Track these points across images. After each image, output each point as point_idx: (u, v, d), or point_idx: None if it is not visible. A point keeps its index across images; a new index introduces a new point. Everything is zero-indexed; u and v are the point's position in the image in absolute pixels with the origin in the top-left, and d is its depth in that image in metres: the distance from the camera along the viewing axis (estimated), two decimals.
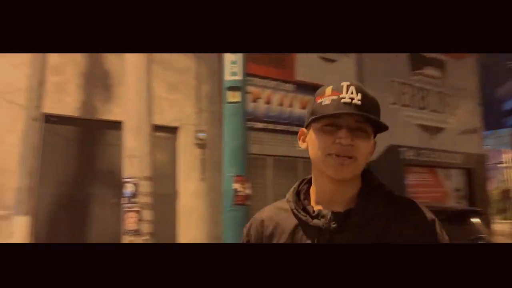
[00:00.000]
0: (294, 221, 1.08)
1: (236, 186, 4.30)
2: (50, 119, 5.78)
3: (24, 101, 5.02)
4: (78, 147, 6.11)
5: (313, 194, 1.11)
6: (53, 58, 5.70)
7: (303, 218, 1.07)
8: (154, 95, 6.22)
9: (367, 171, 1.12)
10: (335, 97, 1.03)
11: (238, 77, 4.61)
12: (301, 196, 1.11)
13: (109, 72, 6.52)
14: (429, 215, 1.05)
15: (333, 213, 1.04)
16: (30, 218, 4.57)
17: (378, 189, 1.08)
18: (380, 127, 1.05)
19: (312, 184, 1.12)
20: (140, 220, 4.26)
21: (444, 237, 1.04)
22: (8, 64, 5.68)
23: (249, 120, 7.71)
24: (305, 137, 1.12)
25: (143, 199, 4.31)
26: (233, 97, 4.58)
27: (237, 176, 4.34)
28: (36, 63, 5.10)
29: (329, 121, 1.03)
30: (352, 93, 1.03)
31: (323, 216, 1.04)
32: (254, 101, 7.85)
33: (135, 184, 4.32)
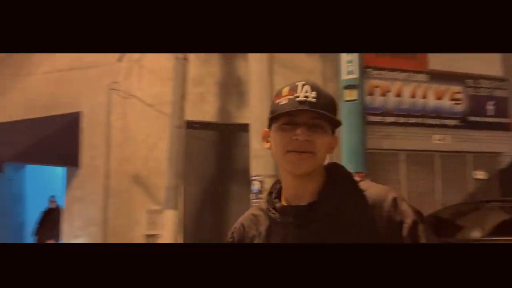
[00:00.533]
0: (267, 221, 1.13)
1: None
2: (192, 125, 6.59)
3: (170, 112, 5.86)
4: (217, 149, 6.83)
5: (283, 192, 1.15)
6: (194, 71, 6.49)
7: (273, 216, 1.11)
8: None
9: (333, 164, 1.15)
10: (291, 97, 1.07)
11: (354, 76, 4.69)
12: (272, 195, 1.15)
13: (241, 79, 7.13)
14: (390, 196, 1.05)
15: (295, 207, 1.09)
16: (178, 212, 5.33)
17: (341, 181, 1.11)
18: (335, 123, 1.09)
19: (282, 183, 1.16)
20: None
21: (408, 213, 1.04)
22: (158, 79, 6.65)
23: (378, 115, 7.68)
24: (268, 137, 1.15)
25: None
26: (350, 95, 4.68)
27: (356, 172, 4.43)
28: (178, 78, 5.90)
29: (287, 120, 1.06)
30: (306, 91, 1.07)
31: (287, 212, 1.09)
32: (383, 95, 7.71)
33: (261, 182, 4.73)
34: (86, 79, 7.00)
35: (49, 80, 7.38)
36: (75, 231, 6.97)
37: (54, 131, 6.87)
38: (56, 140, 6.83)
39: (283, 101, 1.07)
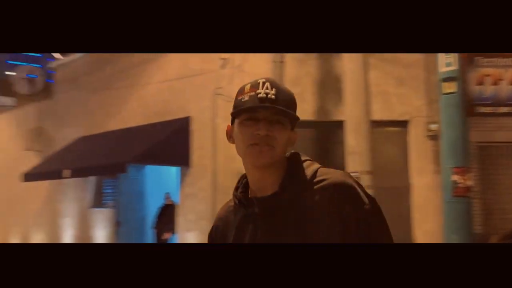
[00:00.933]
0: (236, 214, 1.19)
1: (456, 177, 4.25)
2: None
3: None
4: (315, 146, 6.98)
5: (249, 185, 1.19)
6: (291, 72, 6.73)
7: (240, 209, 1.17)
8: (382, 91, 6.55)
9: (294, 154, 1.19)
10: (252, 93, 1.12)
11: (453, 67, 4.52)
12: (238, 190, 1.20)
13: (338, 77, 7.18)
14: (348, 181, 1.10)
15: (259, 198, 1.13)
16: None
17: (302, 170, 1.15)
18: (294, 119, 1.14)
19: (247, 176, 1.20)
20: None
21: (364, 200, 1.09)
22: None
23: (489, 106, 7.14)
24: (231, 132, 1.20)
25: None
26: (449, 87, 4.52)
27: (456, 167, 4.28)
28: (276, 79, 6.17)
29: (248, 115, 1.11)
30: (267, 88, 1.11)
31: (252, 203, 1.14)
32: (495, 83, 7.17)
33: (357, 178, 4.78)
34: (193, 86, 7.62)
35: (162, 89, 8.18)
36: (188, 225, 7.64)
37: (168, 135, 7.60)
38: (170, 142, 7.54)
39: (245, 97, 1.12)
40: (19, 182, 9.85)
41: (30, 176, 9.47)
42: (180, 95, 7.87)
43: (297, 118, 1.15)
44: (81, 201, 9.90)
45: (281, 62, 6.23)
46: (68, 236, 10.12)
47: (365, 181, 4.76)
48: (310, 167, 1.16)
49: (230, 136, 1.20)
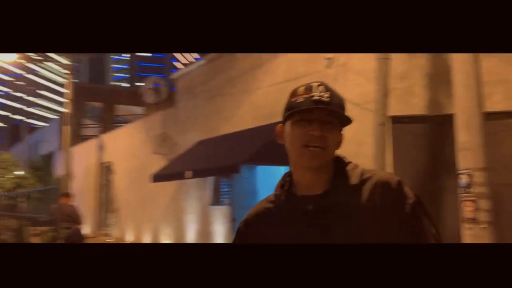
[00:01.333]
0: (283, 211, 1.20)
1: None
2: (400, 120, 6.66)
3: (373, 110, 6.11)
4: (425, 142, 6.72)
5: (295, 183, 1.22)
6: (399, 67, 6.57)
7: (288, 205, 1.19)
8: (503, 80, 6.07)
9: (338, 157, 1.23)
10: (306, 96, 1.16)
11: None
12: (285, 187, 1.23)
13: (450, 68, 6.80)
14: (395, 179, 1.14)
15: (314, 196, 1.16)
16: None
17: (349, 171, 1.19)
18: (346, 121, 1.18)
19: (292, 174, 1.24)
20: (476, 209, 4.45)
21: (409, 195, 1.13)
22: (363, 80, 6.96)
23: None
24: (282, 132, 1.25)
25: (478, 189, 4.48)
26: None
27: None
28: (381, 77, 6.12)
29: (302, 116, 1.16)
30: (321, 91, 1.16)
31: (308, 201, 1.16)
32: None
33: (469, 175, 4.55)
34: None
35: (271, 92, 8.54)
36: None
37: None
38: (279, 143, 7.84)
39: (299, 99, 1.17)
40: (149, 183, 11.02)
41: (158, 177, 10.54)
42: (287, 97, 8.11)
43: (350, 120, 1.19)
44: (201, 199, 10.74)
45: (387, 58, 6.14)
46: (191, 231, 11.05)
47: (478, 178, 4.50)
48: (355, 169, 1.21)
49: (280, 136, 1.25)
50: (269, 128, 8.19)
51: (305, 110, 1.15)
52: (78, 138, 20.90)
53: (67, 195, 8.80)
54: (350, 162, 1.24)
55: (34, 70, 72.62)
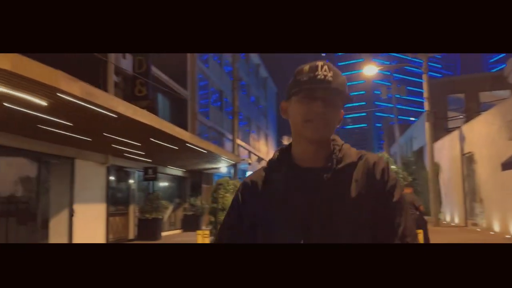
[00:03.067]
0: (284, 178, 1.28)
1: None
2: None
3: None
4: None
5: (295, 155, 1.31)
6: None
7: (291, 174, 1.27)
8: None
9: (335, 137, 1.33)
10: (311, 74, 1.23)
11: None
12: (283, 158, 1.32)
13: None
14: (383, 162, 1.28)
15: (314, 169, 1.26)
16: None
17: (346, 150, 1.30)
18: (347, 99, 1.27)
19: (293, 148, 1.32)
20: None
21: (393, 176, 1.25)
22: None
23: None
24: (286, 108, 1.32)
25: None
26: None
27: None
28: None
29: (306, 94, 1.23)
30: (325, 71, 1.23)
31: (307, 171, 1.26)
32: None
33: None
34: None
35: None
36: None
37: None
38: None
39: (304, 77, 1.24)
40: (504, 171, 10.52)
41: (507, 165, 10.00)
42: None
43: (351, 98, 1.28)
44: None
45: None
46: None
47: None
48: (351, 148, 1.33)
49: (285, 111, 1.33)
50: None
51: (309, 88, 1.23)
52: (444, 131, 21.50)
53: (409, 185, 10.10)
54: (344, 143, 1.35)
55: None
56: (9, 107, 6.68)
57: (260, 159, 32.42)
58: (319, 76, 1.22)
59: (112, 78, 12.89)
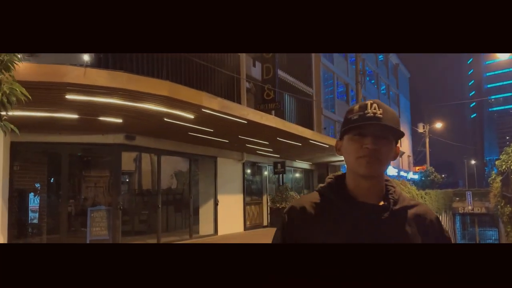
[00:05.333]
0: (335, 208, 1.28)
1: None
2: None
3: None
4: None
5: (350, 188, 1.30)
6: None
7: (343, 205, 1.28)
8: None
9: (386, 179, 1.33)
10: (361, 113, 1.24)
11: None
12: (335, 188, 1.32)
13: None
14: (433, 215, 1.33)
15: (370, 205, 1.26)
16: None
17: (399, 194, 1.32)
18: (399, 135, 1.26)
19: (347, 180, 1.31)
20: None
21: (445, 229, 1.32)
22: None
23: None
24: (340, 146, 1.33)
25: None
26: None
27: None
28: None
29: (358, 131, 1.24)
30: (375, 108, 1.23)
31: (363, 206, 1.26)
32: None
33: None
34: None
35: None
36: None
37: None
38: None
39: (354, 116, 1.25)
40: None
41: None
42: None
43: (402, 133, 1.26)
44: None
45: None
46: None
47: None
48: (402, 193, 1.34)
49: (338, 149, 1.35)
50: None
51: (359, 126, 1.23)
52: None
53: None
54: (395, 187, 1.34)
55: None
56: (167, 121, 8.67)
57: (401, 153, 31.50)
58: (368, 114, 1.24)
59: (245, 88, 14.72)
